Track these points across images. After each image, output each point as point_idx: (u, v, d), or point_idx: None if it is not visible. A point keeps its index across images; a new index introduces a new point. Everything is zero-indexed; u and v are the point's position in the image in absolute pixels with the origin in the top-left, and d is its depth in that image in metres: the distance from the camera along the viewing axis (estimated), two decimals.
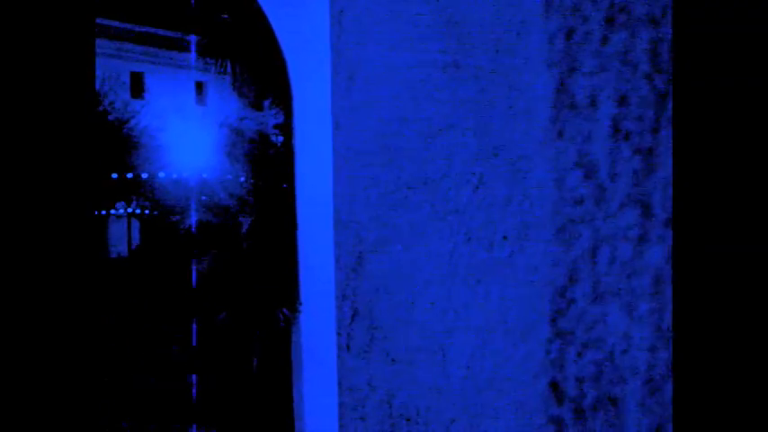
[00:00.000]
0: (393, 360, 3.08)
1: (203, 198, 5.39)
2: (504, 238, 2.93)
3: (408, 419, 3.05)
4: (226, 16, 4.88)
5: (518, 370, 2.91)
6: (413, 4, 2.99)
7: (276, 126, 6.46)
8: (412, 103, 3.01)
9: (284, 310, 4.27)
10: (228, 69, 5.08)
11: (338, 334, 3.00)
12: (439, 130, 3.18)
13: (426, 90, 3.07)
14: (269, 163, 5.55)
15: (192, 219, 5.09)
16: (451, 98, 3.13)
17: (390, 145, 2.98)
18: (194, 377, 6.25)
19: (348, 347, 3.12)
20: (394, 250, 3.00)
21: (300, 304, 4.25)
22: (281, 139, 6.34)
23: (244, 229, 4.86)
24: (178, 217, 5.30)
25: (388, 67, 3.03)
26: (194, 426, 5.97)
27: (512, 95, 3.00)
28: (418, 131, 3.08)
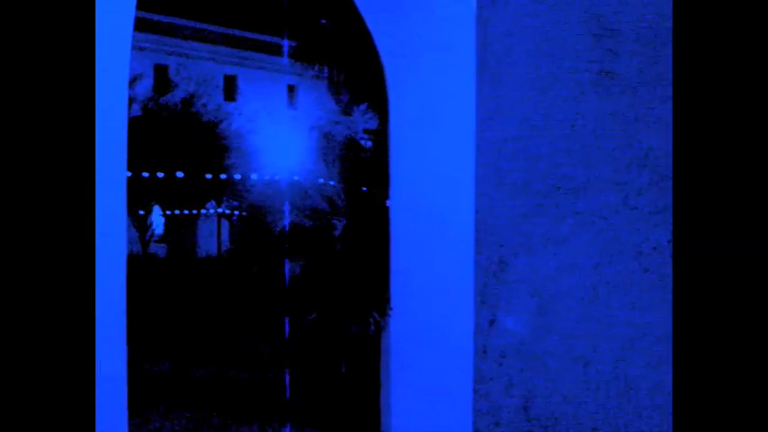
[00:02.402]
0: (532, 367, 3.03)
1: (295, 200, 5.46)
2: (654, 248, 2.87)
3: (545, 427, 3.00)
4: (324, 21, 4.94)
5: (666, 377, 2.83)
6: (561, 13, 2.94)
7: (366, 131, 6.51)
8: (558, 109, 2.96)
9: (374, 313, 4.29)
10: (325, 74, 5.13)
11: (475, 339, 2.97)
12: (586, 136, 3.11)
13: (574, 96, 3.01)
14: (359, 167, 5.59)
15: (285, 220, 5.16)
16: (599, 105, 3.05)
17: (535, 151, 2.93)
18: (286, 375, 6.33)
19: (485, 353, 3.07)
20: (537, 256, 2.94)
21: (391, 309, 4.26)
22: (369, 144, 6.38)
23: (335, 232, 4.90)
24: (270, 218, 5.38)
25: (533, 73, 2.97)
26: (287, 421, 6.05)
27: (658, 104, 2.93)
28: (564, 138, 3.02)
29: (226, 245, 24.84)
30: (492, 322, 3.06)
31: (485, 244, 3.00)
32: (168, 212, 25.65)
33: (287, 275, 4.89)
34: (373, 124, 5.74)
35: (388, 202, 4.67)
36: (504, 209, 3.04)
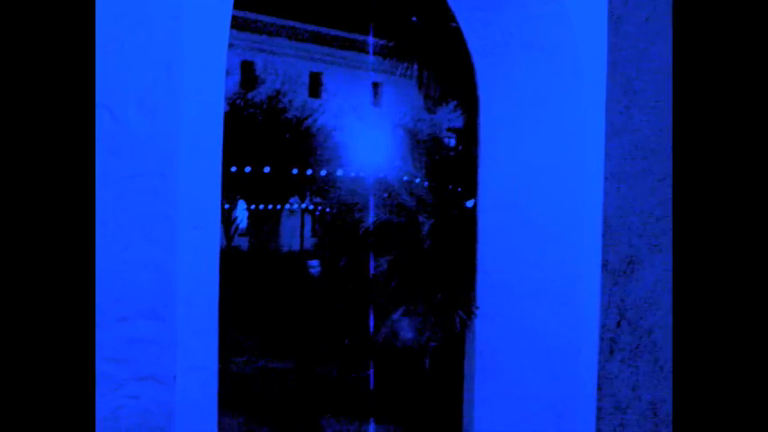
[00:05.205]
0: (661, 368, 2.94)
1: (381, 197, 5.47)
2: None
3: (673, 430, 2.93)
4: (415, 19, 4.93)
5: None
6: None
7: (451, 129, 6.49)
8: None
9: (460, 312, 4.28)
10: (415, 72, 5.12)
11: (601, 339, 2.92)
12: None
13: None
14: (444, 165, 5.57)
15: (371, 217, 5.17)
16: None
17: (667, 152, 2.84)
18: (371, 372, 6.35)
19: (611, 353, 3.01)
20: (667, 258, 2.87)
21: (477, 308, 4.24)
22: (452, 142, 6.35)
23: (421, 230, 4.90)
24: (357, 214, 5.40)
25: (668, 73, 2.86)
26: (371, 417, 6.07)
27: None
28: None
29: (309, 240, 25.06)
30: (619, 323, 3.00)
31: (613, 246, 2.94)
32: (252, 207, 25.98)
33: (373, 272, 4.91)
34: (458, 123, 5.71)
35: (471, 202, 4.65)
36: (635, 210, 2.98)
